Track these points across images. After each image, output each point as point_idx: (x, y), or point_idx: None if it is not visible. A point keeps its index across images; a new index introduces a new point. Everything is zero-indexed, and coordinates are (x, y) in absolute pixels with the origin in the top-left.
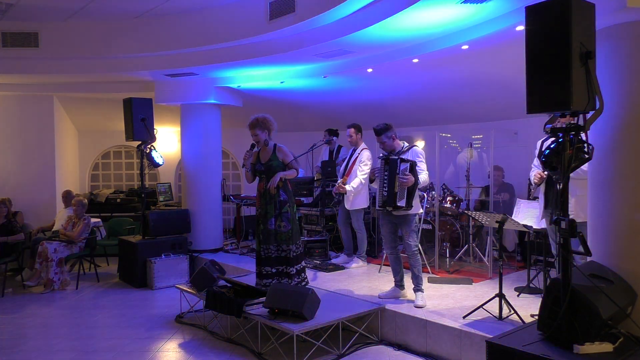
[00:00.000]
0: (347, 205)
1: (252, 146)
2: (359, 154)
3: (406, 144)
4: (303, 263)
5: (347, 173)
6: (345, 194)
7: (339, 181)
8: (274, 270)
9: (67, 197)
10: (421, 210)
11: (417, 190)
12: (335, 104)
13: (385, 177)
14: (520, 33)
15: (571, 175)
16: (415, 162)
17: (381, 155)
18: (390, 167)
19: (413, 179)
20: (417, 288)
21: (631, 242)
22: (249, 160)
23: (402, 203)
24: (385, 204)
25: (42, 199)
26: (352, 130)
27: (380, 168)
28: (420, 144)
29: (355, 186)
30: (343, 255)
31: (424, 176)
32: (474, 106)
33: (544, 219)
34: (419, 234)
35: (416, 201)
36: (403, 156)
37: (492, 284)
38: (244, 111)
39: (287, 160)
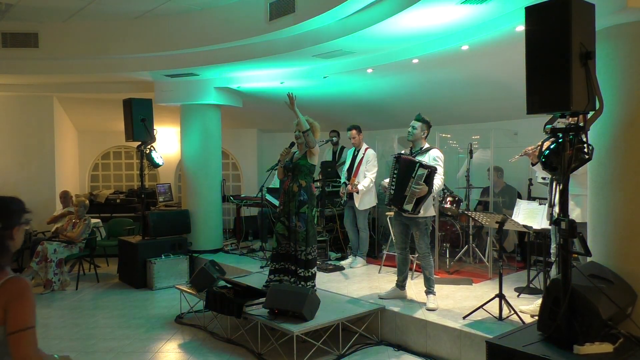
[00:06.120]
0: (357, 205)
1: (292, 145)
2: (363, 154)
3: (427, 145)
4: (315, 269)
5: (355, 174)
6: (358, 193)
7: (353, 182)
8: (292, 268)
9: (65, 197)
10: (434, 213)
11: (429, 196)
12: (335, 104)
13: (394, 176)
14: (520, 33)
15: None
16: (435, 169)
17: (397, 153)
18: (402, 167)
19: (426, 189)
20: (429, 290)
21: (631, 242)
22: (286, 157)
23: (408, 207)
24: (391, 202)
25: (42, 199)
26: (355, 131)
27: (391, 166)
28: None
29: (366, 185)
30: (351, 257)
31: (438, 181)
32: (474, 106)
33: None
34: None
35: (429, 205)
36: (419, 157)
37: (492, 284)
38: (244, 111)
39: (311, 145)
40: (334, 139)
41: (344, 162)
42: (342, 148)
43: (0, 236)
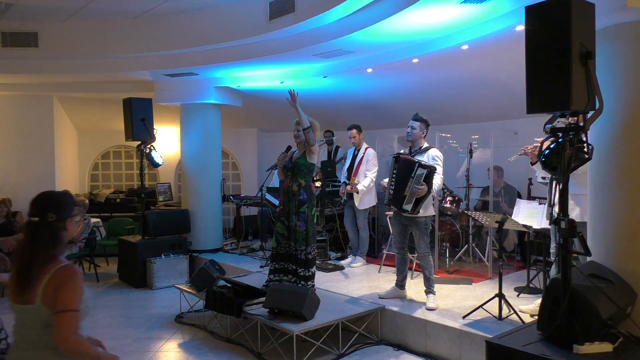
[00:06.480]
0: (357, 204)
1: (288, 149)
2: (364, 153)
3: (426, 145)
4: (314, 269)
5: (355, 173)
6: (358, 193)
7: (353, 182)
8: (292, 267)
9: None
10: (433, 213)
11: (428, 196)
12: (334, 103)
13: (394, 176)
14: (520, 33)
15: None
16: (434, 168)
17: (395, 153)
18: (402, 167)
19: (425, 189)
20: (429, 290)
21: (631, 242)
22: (284, 161)
23: (407, 207)
24: (390, 202)
25: None
26: (355, 131)
27: (390, 165)
28: None
29: (366, 185)
30: (351, 256)
31: (437, 181)
32: (474, 106)
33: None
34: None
35: (429, 204)
36: (418, 157)
37: (491, 284)
38: (244, 111)
39: (311, 143)
40: (333, 138)
41: (340, 160)
42: (337, 147)
43: (55, 227)
